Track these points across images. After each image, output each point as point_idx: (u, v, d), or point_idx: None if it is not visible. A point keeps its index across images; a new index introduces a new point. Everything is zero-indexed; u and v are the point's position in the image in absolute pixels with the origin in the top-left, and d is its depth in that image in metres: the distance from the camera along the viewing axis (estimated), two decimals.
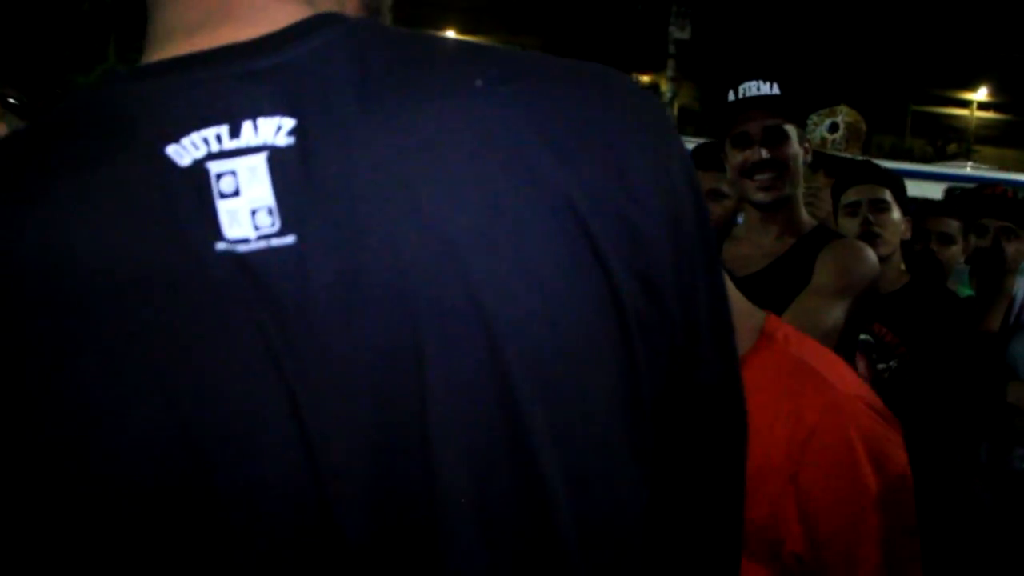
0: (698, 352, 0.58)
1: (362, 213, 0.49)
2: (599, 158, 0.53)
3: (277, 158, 0.49)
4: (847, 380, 1.15)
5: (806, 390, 1.10)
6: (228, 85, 0.50)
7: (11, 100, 0.99)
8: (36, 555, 0.48)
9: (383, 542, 0.49)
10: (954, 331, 2.46)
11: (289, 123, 0.50)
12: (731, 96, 2.04)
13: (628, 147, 0.54)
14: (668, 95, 15.56)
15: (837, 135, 2.96)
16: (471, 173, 0.51)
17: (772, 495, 1.07)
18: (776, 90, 1.99)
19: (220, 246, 0.49)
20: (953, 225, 2.88)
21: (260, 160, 0.49)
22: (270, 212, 0.49)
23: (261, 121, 0.50)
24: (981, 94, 27.69)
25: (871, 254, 1.99)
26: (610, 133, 0.54)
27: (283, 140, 0.50)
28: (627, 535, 0.54)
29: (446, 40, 0.57)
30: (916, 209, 2.75)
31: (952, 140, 26.04)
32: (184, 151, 0.49)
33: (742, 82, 2.02)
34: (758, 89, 2.00)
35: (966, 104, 28.18)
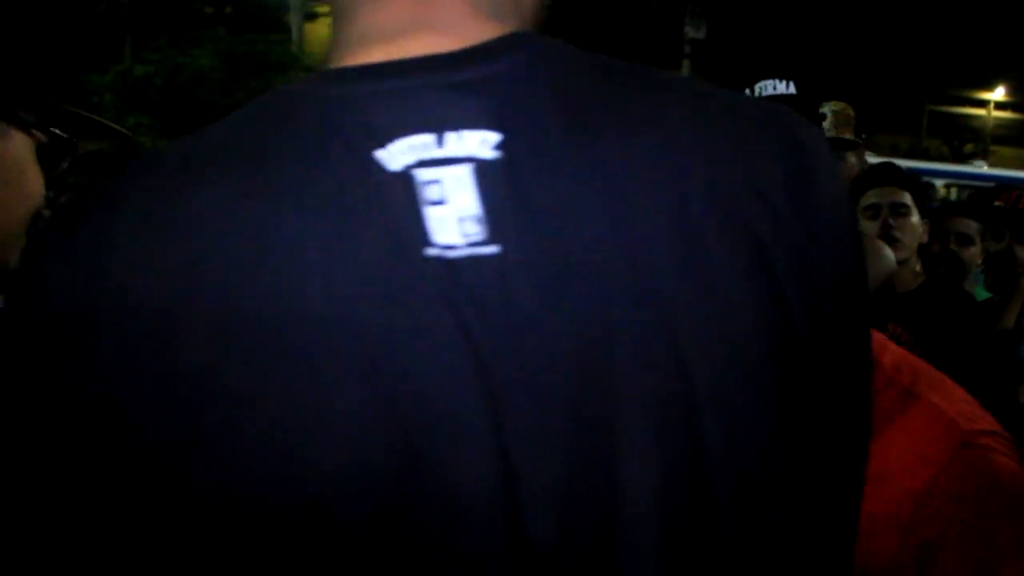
0: (844, 389, 0.59)
1: (563, 229, 0.50)
2: (786, 198, 0.55)
3: (483, 170, 0.50)
4: (972, 414, 1.00)
5: (927, 432, 0.97)
6: (434, 95, 0.51)
7: (23, 116, 0.98)
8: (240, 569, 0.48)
9: (565, 550, 0.50)
10: (968, 332, 2.45)
11: (494, 137, 0.51)
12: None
13: (813, 191, 0.56)
14: None
15: (825, 123, 3.01)
16: (668, 199, 0.52)
17: (885, 552, 0.94)
18: (792, 89, 2.00)
19: (430, 251, 0.49)
20: (972, 226, 2.87)
21: (466, 171, 0.50)
22: (477, 221, 0.50)
23: (467, 133, 0.51)
24: (998, 94, 27.55)
25: (888, 252, 1.98)
26: (796, 176, 0.56)
27: (488, 153, 0.51)
28: (777, 558, 0.55)
29: (636, 66, 0.58)
30: (936, 209, 2.74)
31: (969, 140, 25.93)
32: (392, 156, 0.50)
33: (758, 81, 2.02)
34: (774, 88, 2.00)
35: (983, 104, 28.04)
